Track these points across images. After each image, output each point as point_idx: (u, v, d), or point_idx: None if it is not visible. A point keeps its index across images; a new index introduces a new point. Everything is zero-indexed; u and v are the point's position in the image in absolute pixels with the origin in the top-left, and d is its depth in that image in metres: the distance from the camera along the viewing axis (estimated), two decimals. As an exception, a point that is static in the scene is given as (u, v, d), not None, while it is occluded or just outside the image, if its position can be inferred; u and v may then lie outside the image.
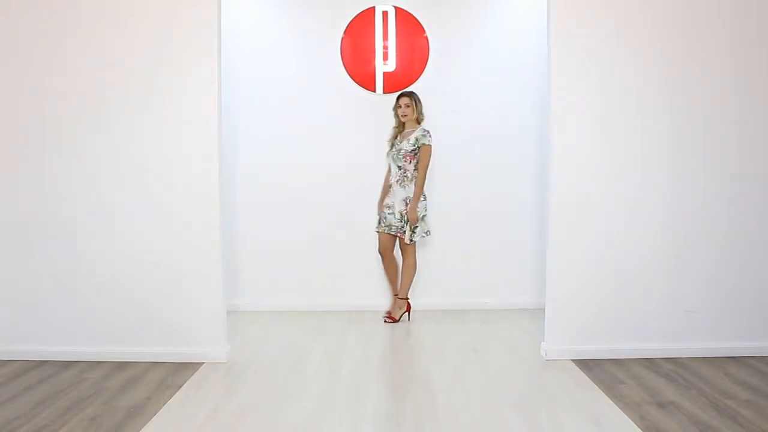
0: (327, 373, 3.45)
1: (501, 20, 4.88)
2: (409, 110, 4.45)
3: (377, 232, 4.56)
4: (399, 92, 4.57)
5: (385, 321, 4.51)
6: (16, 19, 3.56)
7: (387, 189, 4.55)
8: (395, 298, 4.59)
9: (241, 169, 4.87)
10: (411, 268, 4.53)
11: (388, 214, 4.48)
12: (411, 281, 4.55)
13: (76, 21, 3.55)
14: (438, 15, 4.85)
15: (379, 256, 4.60)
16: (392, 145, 4.50)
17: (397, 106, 4.49)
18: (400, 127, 4.53)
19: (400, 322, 4.49)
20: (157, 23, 3.54)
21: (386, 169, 4.56)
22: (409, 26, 4.85)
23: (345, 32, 4.85)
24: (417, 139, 4.40)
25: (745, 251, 3.65)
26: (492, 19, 4.88)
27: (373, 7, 4.83)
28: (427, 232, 4.50)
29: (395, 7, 4.83)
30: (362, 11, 4.84)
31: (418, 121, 4.49)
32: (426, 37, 4.86)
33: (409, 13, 4.84)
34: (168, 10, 3.53)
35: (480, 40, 4.86)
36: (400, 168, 4.43)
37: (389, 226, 4.47)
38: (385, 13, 4.85)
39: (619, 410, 2.87)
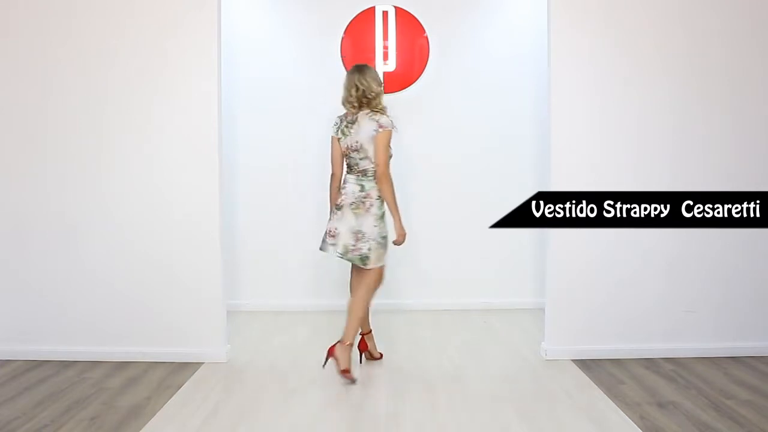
0: (327, 372, 3.44)
1: (501, 20, 4.87)
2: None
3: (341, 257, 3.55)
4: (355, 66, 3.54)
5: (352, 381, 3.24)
6: (17, 20, 3.56)
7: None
8: (365, 335, 3.59)
9: (241, 169, 4.87)
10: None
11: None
12: None
13: (76, 21, 3.55)
14: (438, 15, 4.84)
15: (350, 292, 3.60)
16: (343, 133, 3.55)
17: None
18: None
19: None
20: (157, 23, 3.54)
21: (332, 170, 3.69)
22: (409, 26, 4.84)
23: (345, 32, 4.84)
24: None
25: (744, 251, 3.64)
26: (492, 19, 4.87)
27: (373, 7, 4.83)
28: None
29: (395, 7, 4.82)
30: (362, 11, 4.83)
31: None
32: (426, 37, 4.85)
33: (409, 13, 4.83)
34: (168, 10, 3.53)
35: (480, 40, 4.86)
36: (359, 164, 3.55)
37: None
38: (385, 13, 4.84)
39: (619, 410, 2.87)
